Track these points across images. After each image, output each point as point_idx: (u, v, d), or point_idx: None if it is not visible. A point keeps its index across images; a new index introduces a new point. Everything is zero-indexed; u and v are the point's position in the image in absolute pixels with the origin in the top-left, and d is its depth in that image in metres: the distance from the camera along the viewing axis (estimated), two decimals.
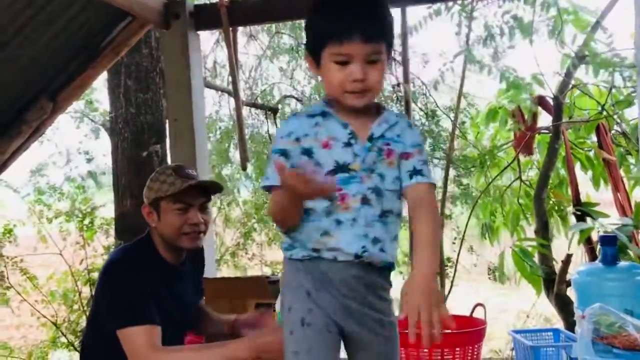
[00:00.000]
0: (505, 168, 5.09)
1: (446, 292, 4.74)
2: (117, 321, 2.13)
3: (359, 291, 1.63)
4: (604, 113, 4.90)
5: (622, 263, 2.80)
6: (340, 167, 1.61)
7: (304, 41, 1.77)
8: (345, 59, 1.58)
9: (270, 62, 7.11)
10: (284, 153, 1.61)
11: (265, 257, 6.67)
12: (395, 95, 5.11)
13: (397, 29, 5.24)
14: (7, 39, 3.11)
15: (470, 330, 2.27)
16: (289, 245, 1.67)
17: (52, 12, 3.18)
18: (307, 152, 1.61)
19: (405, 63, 4.60)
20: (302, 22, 5.95)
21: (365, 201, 1.61)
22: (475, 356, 2.28)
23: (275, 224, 1.77)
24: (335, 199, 1.60)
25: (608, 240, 2.68)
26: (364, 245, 1.60)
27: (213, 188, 2.41)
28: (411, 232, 1.99)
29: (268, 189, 1.65)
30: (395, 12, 4.78)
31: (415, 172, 1.64)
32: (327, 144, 1.62)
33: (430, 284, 1.51)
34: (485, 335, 2.39)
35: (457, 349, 2.20)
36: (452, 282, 4.81)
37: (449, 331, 2.35)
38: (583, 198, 4.84)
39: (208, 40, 6.73)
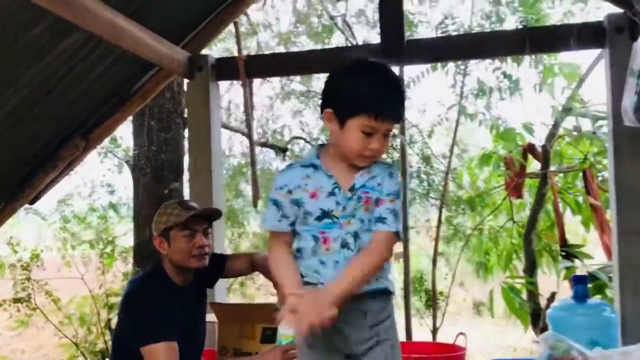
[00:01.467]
0: (494, 210, 5.33)
1: (438, 323, 4.93)
2: (139, 340, 2.39)
3: (355, 317, 1.84)
4: (587, 161, 5.14)
5: (592, 300, 3.03)
6: (325, 214, 1.82)
7: (326, 95, 1.90)
8: (372, 132, 1.78)
9: (281, 103, 7.43)
10: (275, 203, 1.87)
11: (271, 287, 6.81)
12: (392, 144, 5.41)
13: None
14: (51, 85, 3.40)
15: (450, 355, 2.49)
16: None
17: (90, 64, 3.48)
18: (297, 203, 1.84)
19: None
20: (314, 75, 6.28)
21: (344, 245, 1.83)
22: None
23: None
24: (319, 241, 1.83)
25: (579, 279, 2.91)
26: None
27: (214, 215, 2.71)
28: None
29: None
30: (394, 69, 5.13)
31: (380, 219, 1.83)
32: (315, 194, 1.84)
33: (326, 299, 1.68)
34: None
35: None
36: (443, 314, 5.00)
37: (432, 355, 2.60)
38: (578, 239, 5.03)
39: (224, 83, 7.07)
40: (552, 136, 5.33)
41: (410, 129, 5.53)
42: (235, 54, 3.94)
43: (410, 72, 5.40)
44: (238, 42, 3.98)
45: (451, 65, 4.84)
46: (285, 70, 4.35)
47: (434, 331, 5.29)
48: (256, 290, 6.71)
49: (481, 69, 5.07)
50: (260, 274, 2.89)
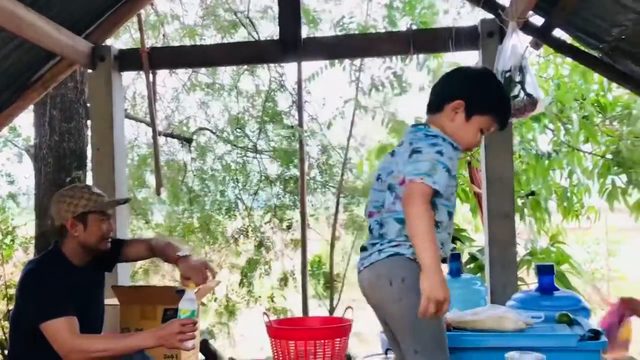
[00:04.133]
0: None
1: (334, 304, 5.21)
2: (39, 317, 2.42)
3: None
4: (471, 152, 5.56)
5: (465, 275, 3.37)
6: (452, 194, 2.05)
7: (459, 88, 2.09)
8: (485, 132, 2.09)
9: (187, 94, 7.42)
10: (448, 171, 1.95)
11: (176, 276, 6.89)
12: (292, 135, 5.65)
13: (293, 80, 5.84)
14: None
15: (336, 326, 2.72)
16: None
17: None
18: (455, 178, 2.03)
19: (300, 110, 5.12)
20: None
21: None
22: (341, 347, 2.71)
23: None
24: (452, 217, 2.04)
25: (454, 257, 3.23)
26: None
27: (125, 202, 3.08)
28: None
29: None
30: (292, 66, 5.38)
31: None
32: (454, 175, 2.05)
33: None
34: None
35: (325, 341, 2.63)
36: (339, 295, 5.28)
37: (322, 327, 2.82)
38: (471, 225, 5.42)
39: (130, 73, 6.98)
40: None
41: (311, 122, 5.79)
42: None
43: (310, 66, 5.64)
44: (141, 34, 4.03)
45: (347, 62, 5.12)
46: (190, 63, 4.44)
47: (331, 310, 5.57)
48: (162, 278, 6.72)
49: (375, 67, 5.38)
50: (161, 260, 2.96)
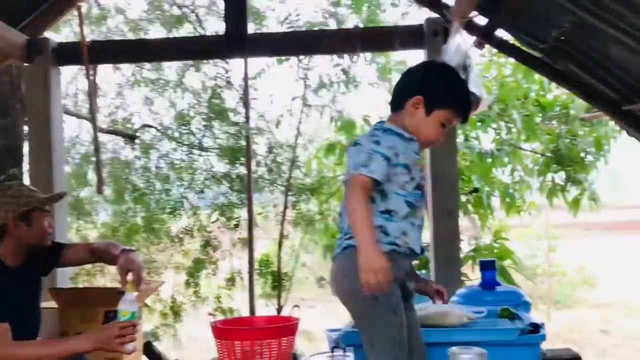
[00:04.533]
0: (332, 195, 5.69)
1: (282, 302, 5.18)
2: None
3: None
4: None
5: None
6: (418, 186, 2.07)
7: (418, 84, 2.11)
8: (447, 125, 2.10)
9: (131, 90, 7.24)
10: (387, 158, 1.98)
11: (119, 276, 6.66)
12: (239, 132, 5.58)
13: (240, 76, 5.77)
14: None
15: (283, 325, 2.69)
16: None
17: None
18: (406, 167, 2.02)
19: (246, 106, 5.07)
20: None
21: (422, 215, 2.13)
22: (287, 346, 2.69)
23: None
24: (413, 207, 2.03)
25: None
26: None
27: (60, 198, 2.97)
28: None
29: None
30: (239, 62, 5.32)
31: None
32: (415, 164, 2.06)
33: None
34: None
35: (271, 340, 2.60)
36: (287, 293, 5.26)
37: (268, 326, 2.79)
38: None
39: (72, 68, 6.75)
40: None
41: (258, 119, 5.72)
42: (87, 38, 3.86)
43: (257, 63, 5.59)
44: (81, 26, 3.89)
45: (294, 60, 5.10)
46: (133, 57, 4.34)
47: (279, 310, 5.54)
48: (108, 281, 6.54)
49: (323, 64, 5.38)
50: (104, 263, 2.88)
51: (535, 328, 2.15)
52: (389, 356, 1.95)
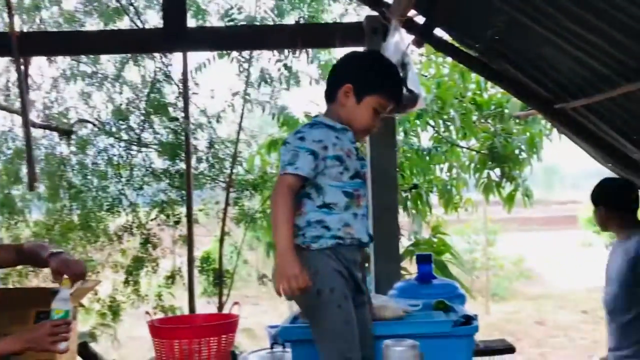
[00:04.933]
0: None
1: (224, 300, 5.13)
2: None
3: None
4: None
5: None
6: (357, 174, 2.05)
7: (346, 72, 2.09)
8: (380, 111, 2.07)
9: (66, 84, 7.03)
10: (313, 153, 1.96)
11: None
12: (179, 127, 5.51)
13: (179, 71, 5.69)
14: None
15: (222, 322, 2.67)
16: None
17: None
18: (338, 158, 2.00)
19: (186, 101, 5.00)
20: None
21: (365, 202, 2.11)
22: (227, 343, 2.67)
23: None
24: (354, 197, 2.01)
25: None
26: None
27: None
28: None
29: None
30: (177, 56, 5.25)
31: None
32: (349, 154, 2.03)
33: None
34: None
35: (210, 338, 2.57)
36: (229, 291, 5.22)
37: (207, 324, 2.75)
38: None
39: (2, 60, 6.50)
40: None
41: (199, 114, 5.65)
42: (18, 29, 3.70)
43: (197, 57, 5.51)
44: (10, 15, 3.74)
45: (235, 54, 5.06)
46: (68, 50, 4.19)
47: (220, 307, 5.50)
48: (40, 283, 6.33)
49: (265, 60, 5.36)
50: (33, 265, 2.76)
51: (468, 320, 2.20)
52: (335, 350, 1.95)
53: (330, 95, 2.13)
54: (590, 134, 3.76)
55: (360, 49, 3.80)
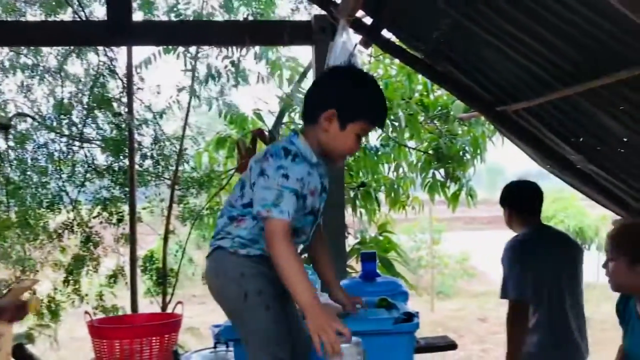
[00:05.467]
0: (220, 190, 5.63)
1: (168, 299, 5.05)
2: None
3: None
4: None
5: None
6: (312, 211, 1.98)
7: (329, 96, 1.97)
8: (363, 136, 2.02)
9: (5, 76, 6.78)
10: (297, 194, 1.86)
11: None
12: (123, 123, 5.39)
13: (124, 66, 5.56)
14: None
15: (164, 322, 2.63)
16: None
17: None
18: (304, 198, 1.91)
19: (130, 96, 4.89)
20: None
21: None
22: (170, 343, 2.63)
23: None
24: (301, 235, 2.00)
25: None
26: None
27: None
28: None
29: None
30: (123, 50, 5.12)
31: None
32: (313, 192, 1.95)
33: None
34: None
35: (151, 338, 2.53)
36: (173, 290, 5.14)
37: (148, 324, 2.71)
38: None
39: None
40: (278, 123, 5.81)
41: (144, 110, 5.54)
42: None
43: (143, 52, 5.40)
44: None
45: (181, 49, 4.98)
46: (5, 41, 4.05)
47: (164, 307, 5.41)
48: None
49: (213, 56, 5.30)
50: None
51: (409, 317, 2.23)
52: (265, 352, 1.92)
53: (311, 117, 1.99)
54: (531, 136, 3.87)
55: (309, 48, 3.83)
